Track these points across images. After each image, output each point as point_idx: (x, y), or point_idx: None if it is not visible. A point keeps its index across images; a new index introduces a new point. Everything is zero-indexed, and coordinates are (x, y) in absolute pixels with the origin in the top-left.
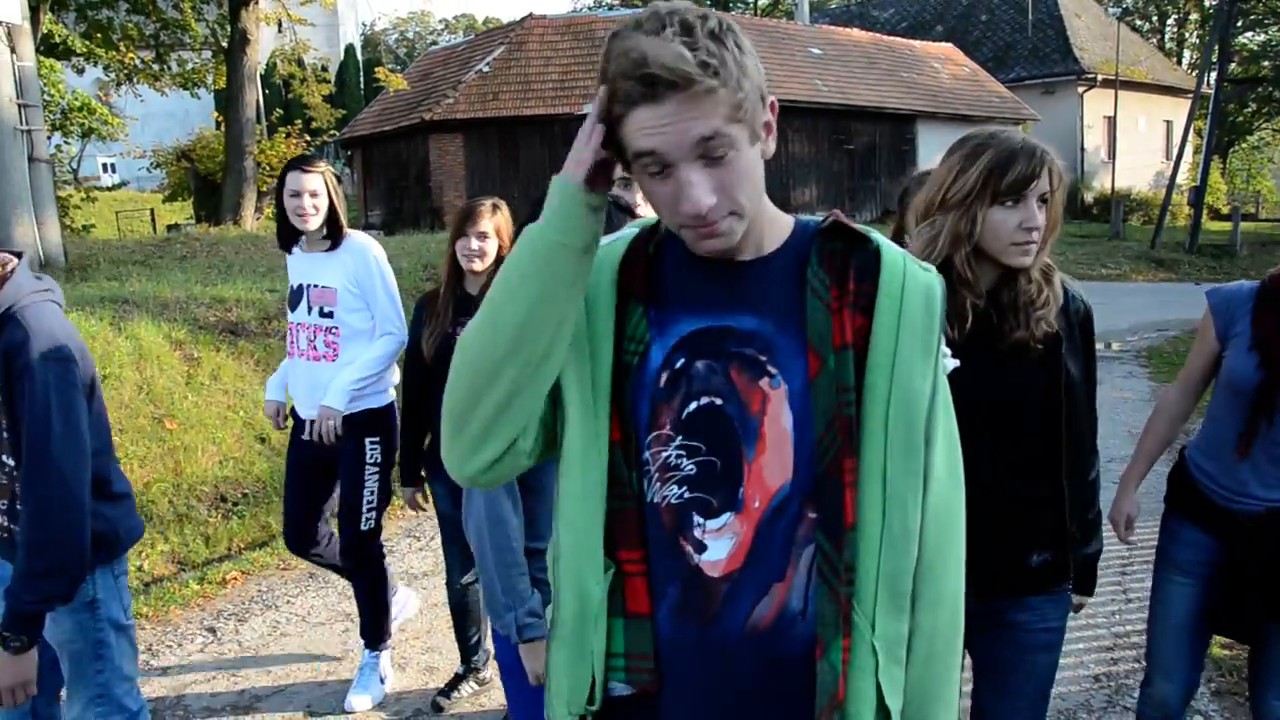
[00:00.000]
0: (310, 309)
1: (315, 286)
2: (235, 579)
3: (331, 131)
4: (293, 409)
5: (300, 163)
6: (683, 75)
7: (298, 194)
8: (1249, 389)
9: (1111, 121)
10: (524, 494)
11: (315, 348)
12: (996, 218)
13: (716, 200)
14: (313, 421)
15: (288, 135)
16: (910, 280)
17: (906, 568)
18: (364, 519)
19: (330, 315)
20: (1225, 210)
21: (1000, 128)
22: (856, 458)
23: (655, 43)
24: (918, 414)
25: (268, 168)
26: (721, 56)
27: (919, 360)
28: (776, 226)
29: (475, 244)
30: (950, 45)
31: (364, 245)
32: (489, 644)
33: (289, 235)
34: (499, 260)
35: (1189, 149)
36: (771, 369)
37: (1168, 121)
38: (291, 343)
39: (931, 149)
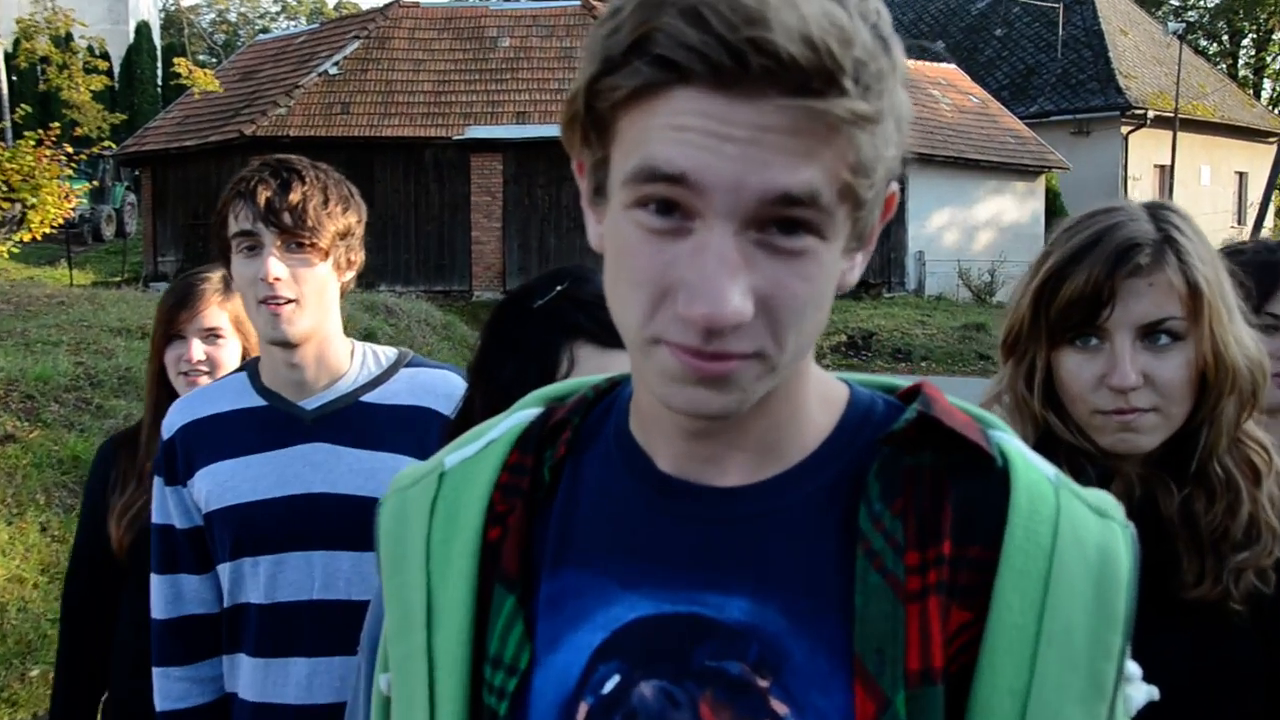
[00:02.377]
0: None
1: None
2: None
3: (107, 142)
4: None
5: None
6: (817, 64)
7: None
8: None
9: (1167, 171)
10: None
11: None
12: (1067, 367)
13: (750, 314)
14: None
15: (39, 143)
16: (1067, 539)
17: None
18: None
19: None
20: None
21: (1115, 203)
22: None
23: None
24: None
25: (3, 186)
26: (880, 70)
27: (1075, 705)
28: (812, 413)
29: (198, 352)
30: (954, 68)
31: None
32: None
33: None
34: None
35: (1270, 210)
36: (779, 705)
37: (1240, 173)
38: None
39: (925, 203)
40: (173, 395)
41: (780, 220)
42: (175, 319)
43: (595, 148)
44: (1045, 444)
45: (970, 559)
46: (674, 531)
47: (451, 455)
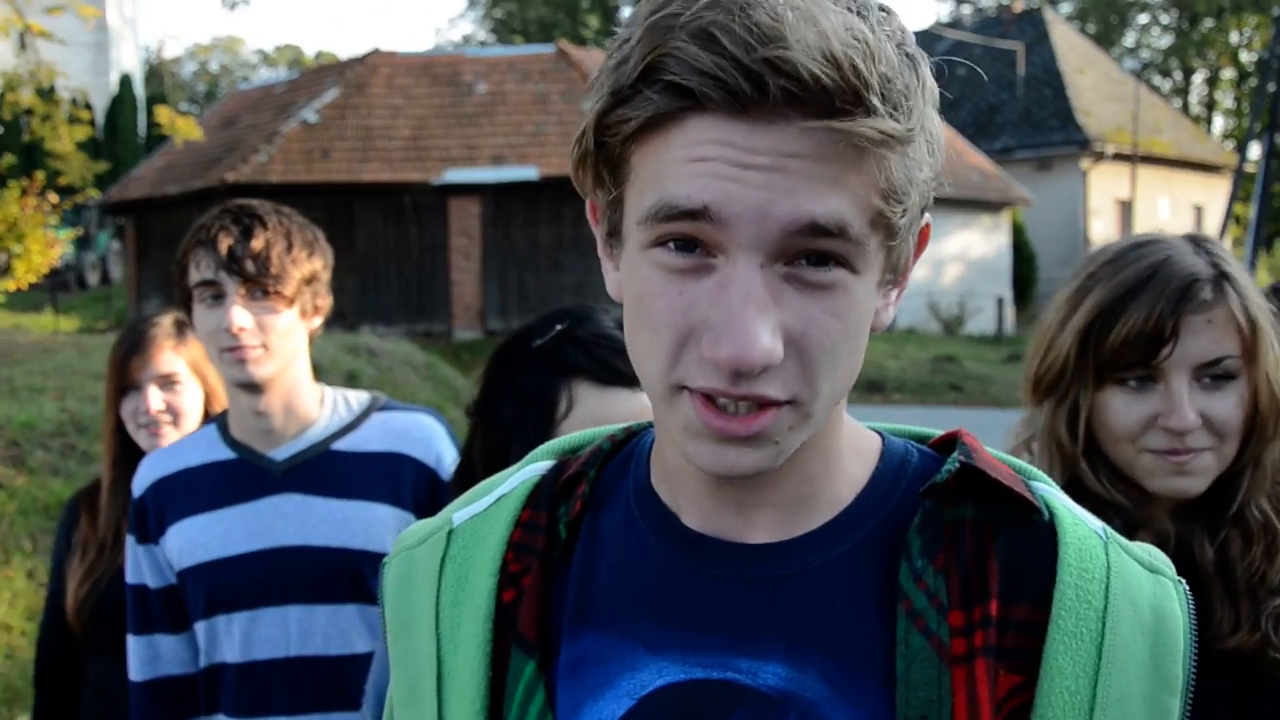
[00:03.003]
0: None
1: None
2: None
3: (91, 191)
4: None
5: None
6: (841, 83)
7: None
8: None
9: (1126, 206)
10: None
11: None
12: (1114, 407)
13: (780, 354)
14: None
15: (23, 193)
16: (1119, 598)
17: None
18: None
19: None
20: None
21: (1155, 236)
22: None
23: (808, 5)
24: None
25: None
26: (908, 86)
27: None
28: (846, 465)
29: (156, 400)
30: None
31: None
32: None
33: None
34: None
35: (1228, 241)
36: None
37: (1198, 207)
38: None
39: None
40: (133, 450)
41: (809, 253)
42: (128, 368)
43: (608, 187)
44: (1069, 492)
45: (1018, 620)
46: (702, 592)
47: (460, 511)
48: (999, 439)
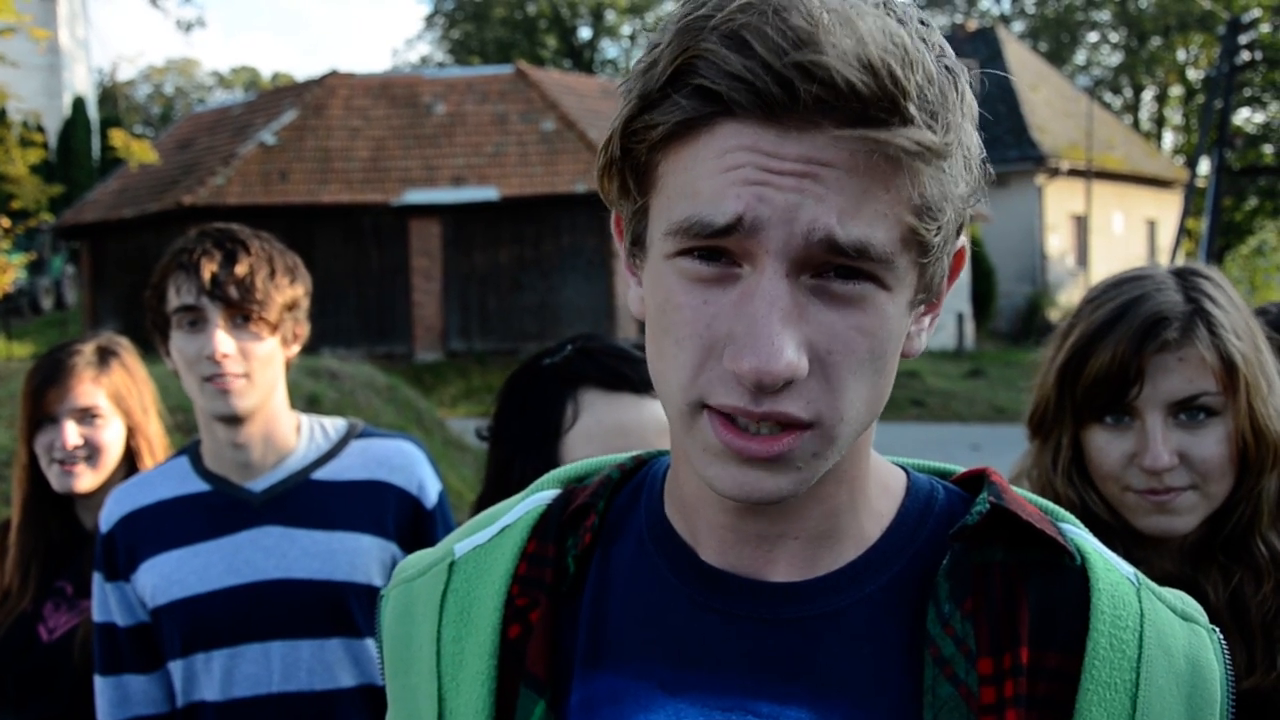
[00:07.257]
0: None
1: None
2: None
3: (44, 215)
4: None
5: None
6: (877, 90)
7: None
8: None
9: (1081, 221)
10: None
11: None
12: (1096, 445)
13: (804, 369)
14: None
15: None
16: (1153, 647)
17: None
18: None
19: None
20: None
21: (1144, 271)
22: None
23: (845, 8)
24: None
25: None
26: (947, 97)
27: None
28: (872, 500)
29: (73, 435)
30: None
31: None
32: None
33: None
34: (132, 462)
35: (1181, 255)
36: None
37: (1151, 221)
38: None
39: None
40: (46, 489)
41: (835, 265)
42: (43, 399)
43: (633, 196)
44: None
45: (1049, 668)
46: (722, 632)
47: (462, 542)
48: (962, 454)
